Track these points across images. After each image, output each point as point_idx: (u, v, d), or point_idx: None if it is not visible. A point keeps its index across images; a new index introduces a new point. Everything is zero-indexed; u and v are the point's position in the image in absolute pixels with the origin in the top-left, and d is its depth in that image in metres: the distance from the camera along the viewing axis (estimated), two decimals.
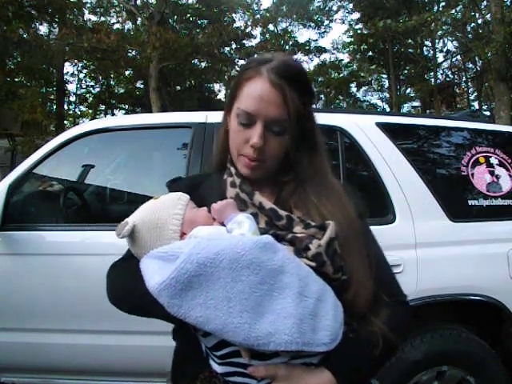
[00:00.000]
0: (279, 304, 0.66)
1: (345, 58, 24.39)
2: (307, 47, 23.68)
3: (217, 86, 23.80)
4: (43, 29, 16.64)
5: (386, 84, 23.69)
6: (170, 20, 17.84)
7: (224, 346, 0.70)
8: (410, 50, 19.62)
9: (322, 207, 0.83)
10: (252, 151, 0.82)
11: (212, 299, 0.65)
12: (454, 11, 13.34)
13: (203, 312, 0.64)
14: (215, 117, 2.11)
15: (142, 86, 20.90)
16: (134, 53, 15.39)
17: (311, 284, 0.70)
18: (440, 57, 20.03)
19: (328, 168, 0.92)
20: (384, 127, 2.02)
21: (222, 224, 0.81)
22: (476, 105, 20.59)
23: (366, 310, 0.79)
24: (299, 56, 24.38)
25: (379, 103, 26.23)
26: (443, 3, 15.83)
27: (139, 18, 16.19)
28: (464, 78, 21.15)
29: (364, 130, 1.99)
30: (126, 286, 0.81)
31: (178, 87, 21.59)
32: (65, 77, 18.74)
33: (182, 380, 0.83)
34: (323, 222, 0.80)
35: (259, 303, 0.65)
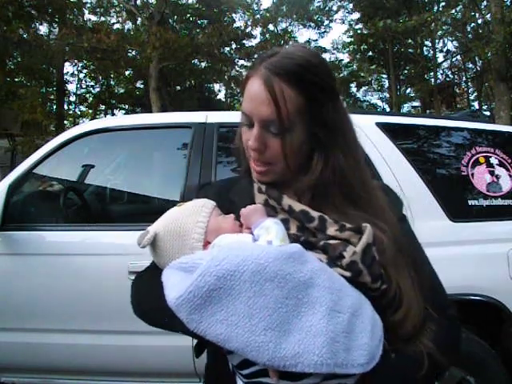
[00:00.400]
0: (308, 321, 0.59)
1: (345, 58, 24.42)
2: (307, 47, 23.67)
3: (217, 86, 23.84)
4: (43, 29, 16.67)
5: (386, 84, 23.70)
6: (170, 20, 17.85)
7: (250, 364, 0.64)
8: (410, 50, 19.63)
9: (357, 210, 0.76)
10: (253, 154, 0.78)
11: (233, 315, 0.59)
12: (454, 11, 13.35)
13: (224, 329, 0.59)
14: (215, 117, 2.11)
15: (142, 86, 20.91)
16: (134, 53, 15.40)
17: (345, 298, 0.64)
18: (440, 57, 20.06)
19: (362, 169, 0.81)
20: (384, 127, 2.02)
21: (251, 232, 0.76)
22: (476, 105, 20.61)
23: (412, 334, 0.70)
24: None
25: (379, 103, 26.27)
26: (443, 3, 15.84)
27: (139, 18, 16.19)
28: (464, 78, 21.16)
29: (364, 130, 1.98)
30: (148, 300, 0.77)
31: (178, 87, 21.60)
32: (65, 77, 18.76)
33: None
34: (360, 224, 0.72)
35: (285, 320, 0.59)
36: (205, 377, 0.85)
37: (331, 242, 0.71)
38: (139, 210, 2.40)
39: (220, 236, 0.75)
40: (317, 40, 24.97)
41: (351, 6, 20.39)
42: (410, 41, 18.29)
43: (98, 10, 17.74)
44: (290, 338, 0.58)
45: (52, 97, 18.38)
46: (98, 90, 21.37)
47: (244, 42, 19.05)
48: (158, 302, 0.67)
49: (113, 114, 21.85)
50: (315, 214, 0.75)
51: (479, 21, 13.03)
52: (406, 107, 22.34)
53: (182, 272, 0.67)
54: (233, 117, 2.05)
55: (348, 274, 0.67)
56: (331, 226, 0.73)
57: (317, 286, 0.62)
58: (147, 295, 0.78)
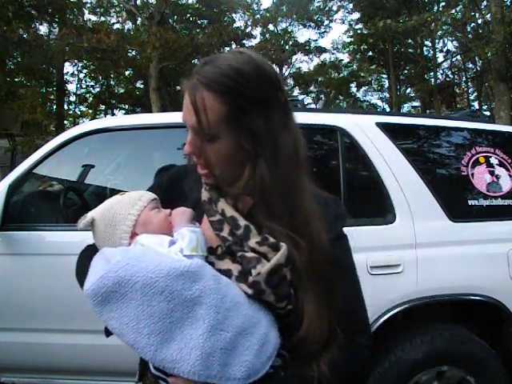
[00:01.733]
0: (189, 334, 0.67)
1: (345, 58, 24.42)
2: (307, 47, 23.70)
3: None
4: (43, 29, 16.66)
5: (386, 84, 23.70)
6: (170, 20, 17.86)
7: None
8: (410, 50, 19.63)
9: (285, 226, 0.74)
10: (193, 158, 0.79)
11: (124, 316, 0.68)
12: (454, 11, 13.34)
13: (117, 325, 0.68)
14: None
15: (142, 86, 20.91)
16: (134, 53, 15.40)
17: (233, 317, 0.69)
18: (440, 57, 20.06)
19: (299, 180, 0.78)
20: (384, 127, 2.02)
21: None
22: (476, 105, 20.60)
23: (314, 347, 0.72)
24: (299, 56, 24.44)
25: (379, 103, 26.26)
26: (443, 3, 15.85)
27: (139, 18, 16.20)
28: (464, 78, 21.16)
29: (364, 130, 1.99)
30: (80, 277, 0.84)
31: (178, 87, 21.58)
32: (65, 77, 18.76)
33: (141, 378, 0.88)
34: (279, 242, 0.72)
35: (169, 329, 0.67)
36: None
37: (248, 254, 0.73)
38: None
39: (143, 235, 0.80)
40: (317, 40, 24.98)
41: (351, 5, 20.40)
42: (410, 41, 18.29)
43: (98, 10, 17.76)
44: (170, 345, 0.66)
45: (52, 97, 18.38)
46: (98, 90, 21.37)
47: (244, 41, 19.06)
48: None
49: (113, 114, 21.84)
50: (243, 222, 0.75)
51: (479, 21, 13.03)
52: (406, 107, 22.35)
53: (103, 261, 0.75)
54: None
55: (250, 291, 0.71)
56: (253, 238, 0.73)
57: (204, 305, 0.68)
58: (80, 273, 0.87)
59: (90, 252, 0.89)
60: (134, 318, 0.67)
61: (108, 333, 0.74)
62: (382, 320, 1.75)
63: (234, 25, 18.39)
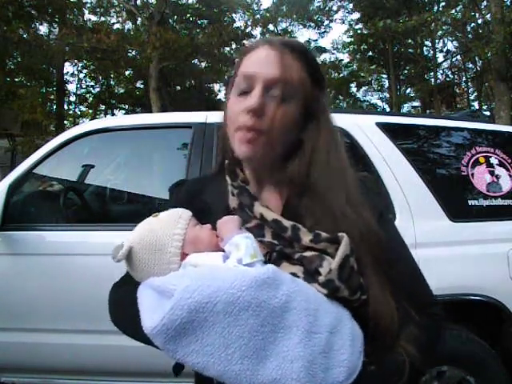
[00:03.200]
0: (285, 346, 0.60)
1: (345, 58, 24.42)
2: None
3: (217, 86, 23.85)
4: (43, 29, 16.66)
5: (386, 84, 23.69)
6: (170, 20, 17.85)
7: None
8: (410, 50, 19.63)
9: (336, 213, 0.72)
10: (248, 118, 0.71)
11: (208, 346, 0.59)
12: (454, 11, 13.34)
13: (200, 359, 0.59)
14: (215, 117, 2.11)
15: (142, 86, 20.91)
16: (134, 53, 15.40)
17: (322, 317, 0.63)
18: (440, 57, 20.06)
19: (344, 161, 0.79)
20: (384, 127, 2.02)
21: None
22: (476, 105, 20.60)
23: (390, 332, 0.69)
24: None
25: (379, 103, 26.25)
26: (443, 3, 15.84)
27: (139, 18, 16.20)
28: (464, 78, 21.15)
29: (364, 130, 1.99)
30: (125, 316, 0.76)
31: (178, 87, 21.60)
32: (65, 77, 18.75)
33: None
34: (336, 233, 0.69)
35: (262, 347, 0.59)
36: (195, 379, 0.85)
37: (307, 254, 0.69)
38: (139, 210, 2.40)
39: (191, 255, 0.74)
40: (317, 40, 24.99)
41: (351, 5, 20.39)
42: (410, 41, 18.30)
43: (98, 10, 17.76)
44: (267, 364, 0.59)
45: (52, 97, 18.37)
46: (98, 90, 21.37)
47: (244, 41, 19.04)
48: (133, 321, 0.67)
49: (113, 114, 21.84)
50: (287, 223, 0.72)
51: (479, 21, 13.03)
52: (406, 107, 22.34)
53: (156, 293, 0.67)
54: None
55: (325, 291, 0.66)
56: (305, 236, 0.71)
57: (293, 310, 0.61)
58: (124, 312, 0.76)
59: (123, 290, 0.81)
60: (220, 344, 0.59)
61: (178, 370, 0.67)
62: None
63: (234, 25, 18.38)
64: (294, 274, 0.68)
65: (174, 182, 0.96)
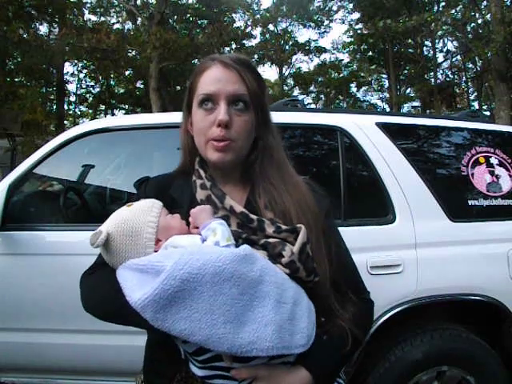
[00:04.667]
0: (260, 313, 0.69)
1: (345, 58, 24.40)
2: (307, 47, 23.69)
3: None
4: (43, 29, 16.67)
5: (386, 84, 23.69)
6: (170, 20, 17.86)
7: (205, 351, 0.73)
8: (410, 50, 19.64)
9: (291, 208, 0.86)
10: (219, 131, 0.84)
11: (196, 312, 0.67)
12: (453, 11, 13.35)
13: (188, 325, 0.66)
14: None
15: (142, 86, 20.91)
16: (134, 53, 15.40)
17: (288, 290, 0.74)
18: (440, 57, 20.08)
19: (288, 163, 0.95)
20: (384, 127, 2.02)
21: (199, 232, 0.82)
22: (476, 105, 20.60)
23: (327, 292, 0.84)
24: (299, 56, 24.42)
25: (379, 103, 26.26)
26: (443, 3, 15.85)
27: (139, 18, 16.19)
28: (464, 78, 21.16)
29: (364, 130, 1.99)
30: (104, 296, 0.81)
31: (178, 87, 21.60)
32: (65, 77, 18.77)
33: (156, 380, 0.85)
34: (293, 225, 0.83)
35: (241, 313, 0.68)
36: (146, 359, 0.94)
37: (270, 240, 0.81)
38: None
39: (172, 237, 0.81)
40: (317, 40, 24.97)
41: (351, 6, 20.40)
42: (410, 41, 18.30)
43: (98, 10, 17.76)
44: (245, 328, 0.68)
45: (52, 97, 18.39)
46: (98, 90, 21.38)
47: (244, 41, 19.06)
48: (116, 299, 0.74)
49: (113, 114, 21.84)
50: (254, 216, 0.85)
51: (479, 21, 13.03)
52: (405, 107, 22.33)
53: (139, 273, 0.73)
54: None
55: (287, 271, 0.78)
56: (269, 227, 0.83)
57: (266, 282, 0.72)
58: (103, 292, 0.82)
59: (98, 275, 0.88)
60: (207, 310, 0.67)
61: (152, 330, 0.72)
62: (382, 320, 1.75)
63: (234, 25, 18.36)
64: None
65: (139, 179, 1.04)
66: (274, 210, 0.87)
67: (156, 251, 0.81)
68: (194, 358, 0.76)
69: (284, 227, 0.83)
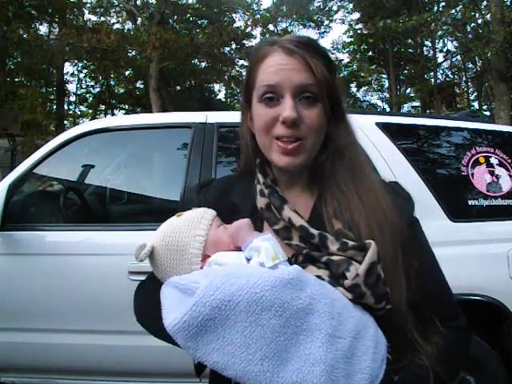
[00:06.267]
0: (306, 349, 0.58)
1: (345, 57, 24.39)
2: None
3: (217, 86, 23.84)
4: (43, 29, 16.65)
5: (386, 84, 23.68)
6: (170, 20, 17.84)
7: None
8: (410, 50, 19.63)
9: (361, 219, 0.73)
10: (284, 128, 0.72)
11: (229, 344, 0.58)
12: (453, 11, 13.34)
13: (220, 358, 0.58)
14: (215, 117, 2.11)
15: (142, 86, 20.90)
16: (134, 53, 15.38)
17: (346, 321, 0.62)
18: (440, 57, 20.06)
19: (368, 165, 0.83)
20: (384, 127, 2.02)
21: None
22: (476, 105, 20.60)
23: (403, 320, 0.70)
24: None
25: (379, 103, 26.24)
26: (443, 3, 15.84)
27: (139, 18, 16.19)
28: (464, 78, 21.15)
29: (364, 129, 1.98)
30: (148, 315, 0.75)
31: (178, 87, 21.59)
32: (65, 77, 18.77)
33: None
34: (363, 240, 0.70)
35: (283, 348, 0.58)
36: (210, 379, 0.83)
37: (335, 258, 0.69)
38: (139, 210, 2.40)
39: (217, 254, 0.73)
40: (317, 40, 24.91)
41: (351, 6, 20.39)
42: (410, 41, 18.29)
43: (98, 9, 17.74)
44: (287, 366, 0.57)
45: (52, 97, 18.37)
46: (98, 90, 21.36)
47: (244, 41, 19.04)
48: (156, 320, 0.66)
49: (113, 114, 21.84)
50: (315, 231, 0.72)
51: (479, 21, 13.02)
52: (406, 107, 22.33)
53: (178, 292, 0.67)
54: (233, 117, 2.05)
55: (350, 296, 0.65)
56: (332, 245, 0.70)
57: (316, 312, 0.60)
58: (148, 310, 0.76)
59: (148, 289, 0.81)
60: (241, 344, 0.58)
61: (200, 369, 0.66)
62: None
63: (234, 25, 18.32)
64: (319, 277, 0.67)
65: (202, 181, 0.96)
66: (343, 219, 0.74)
67: (202, 267, 0.73)
68: None
69: (351, 243, 0.69)
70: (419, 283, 0.73)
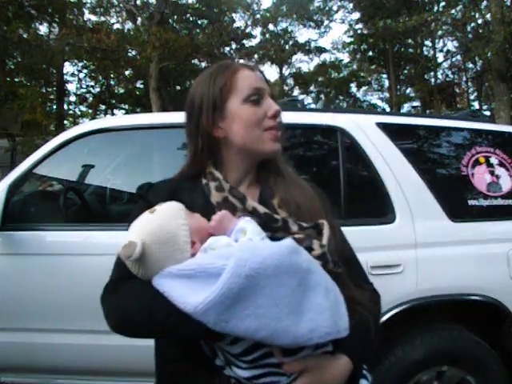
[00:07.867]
0: (315, 301, 0.71)
1: (345, 57, 24.41)
2: (307, 47, 23.70)
3: None
4: (43, 29, 16.65)
5: (386, 84, 23.68)
6: (170, 20, 17.85)
7: (254, 349, 0.73)
8: (410, 50, 19.64)
9: (305, 205, 0.90)
10: (272, 120, 0.90)
11: (260, 308, 0.67)
12: (453, 11, 13.35)
13: (253, 322, 0.66)
14: None
15: (142, 86, 20.91)
16: (134, 53, 15.38)
17: (328, 279, 0.77)
18: (440, 57, 20.08)
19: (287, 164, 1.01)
20: (384, 127, 2.02)
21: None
22: (476, 105, 20.60)
23: (347, 281, 0.86)
24: (299, 56, 24.42)
25: (379, 103, 26.22)
26: (443, 3, 15.83)
27: (139, 18, 16.18)
28: (464, 78, 21.16)
29: (364, 130, 1.99)
30: (142, 310, 0.76)
31: (178, 87, 21.59)
32: (65, 77, 18.76)
33: None
34: (313, 222, 0.86)
35: (299, 303, 0.69)
36: (157, 377, 0.93)
37: (298, 236, 0.83)
38: None
39: (211, 239, 0.80)
40: (317, 40, 24.97)
41: (351, 5, 20.38)
42: (410, 41, 18.30)
43: (98, 9, 17.73)
44: (303, 318, 0.69)
45: (52, 97, 18.38)
46: (98, 90, 21.36)
47: (244, 41, 19.06)
48: (159, 310, 0.72)
49: (113, 114, 21.84)
50: (278, 216, 0.86)
51: (479, 21, 13.02)
52: (405, 107, 22.33)
53: (186, 279, 0.72)
54: None
55: (320, 262, 0.79)
56: (293, 226, 0.85)
57: (314, 271, 0.74)
58: (140, 305, 0.77)
59: (128, 288, 0.83)
60: (271, 304, 0.67)
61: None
62: (381, 320, 1.75)
63: (234, 25, 18.36)
64: None
65: (143, 185, 1.03)
66: (289, 208, 0.88)
67: (193, 254, 0.78)
68: (242, 358, 0.74)
69: (305, 224, 0.85)
70: (345, 257, 0.90)
